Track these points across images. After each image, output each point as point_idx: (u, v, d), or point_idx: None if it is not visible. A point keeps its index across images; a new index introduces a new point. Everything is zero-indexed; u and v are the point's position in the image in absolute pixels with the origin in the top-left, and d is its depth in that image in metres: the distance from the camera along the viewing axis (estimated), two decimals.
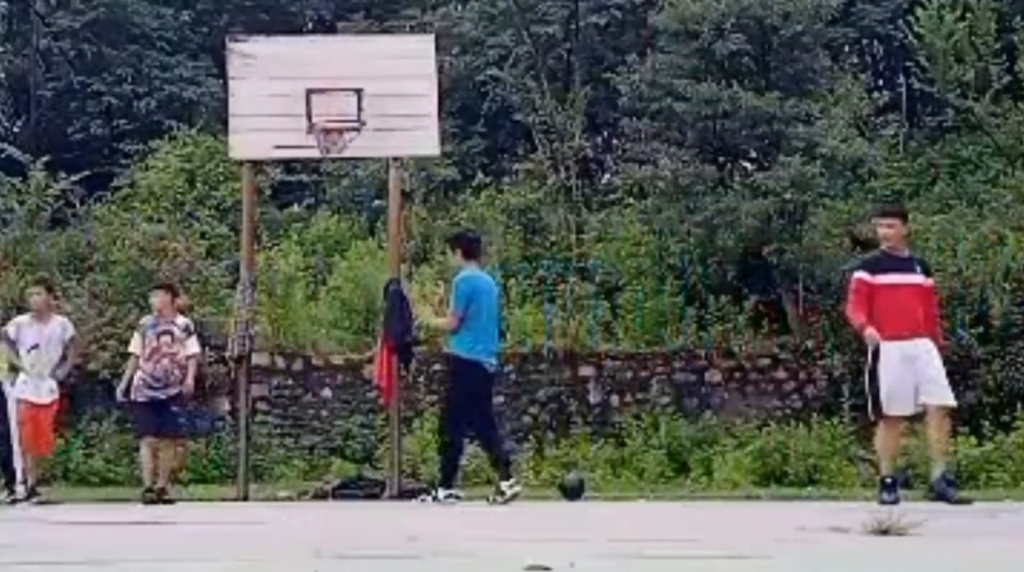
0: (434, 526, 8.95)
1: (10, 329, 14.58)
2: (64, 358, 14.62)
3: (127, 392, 14.25)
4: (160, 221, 21.05)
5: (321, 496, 15.07)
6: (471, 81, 25.92)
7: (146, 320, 14.48)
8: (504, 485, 12.68)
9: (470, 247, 13.23)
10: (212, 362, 18.49)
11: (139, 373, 14.14)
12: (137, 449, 15.42)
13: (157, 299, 14.46)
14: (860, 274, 12.38)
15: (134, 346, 14.33)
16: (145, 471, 14.30)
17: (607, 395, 19.80)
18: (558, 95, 24.21)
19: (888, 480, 12.22)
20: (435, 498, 12.84)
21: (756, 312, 20.12)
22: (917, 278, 12.37)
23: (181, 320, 14.47)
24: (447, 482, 12.92)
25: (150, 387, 14.11)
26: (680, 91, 20.79)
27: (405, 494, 14.44)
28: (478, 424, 12.95)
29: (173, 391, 14.14)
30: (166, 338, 14.18)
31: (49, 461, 18.02)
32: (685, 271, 21.10)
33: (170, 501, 13.87)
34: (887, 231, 12.40)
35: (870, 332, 12.14)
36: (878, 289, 12.22)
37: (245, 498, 14.81)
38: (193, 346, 14.32)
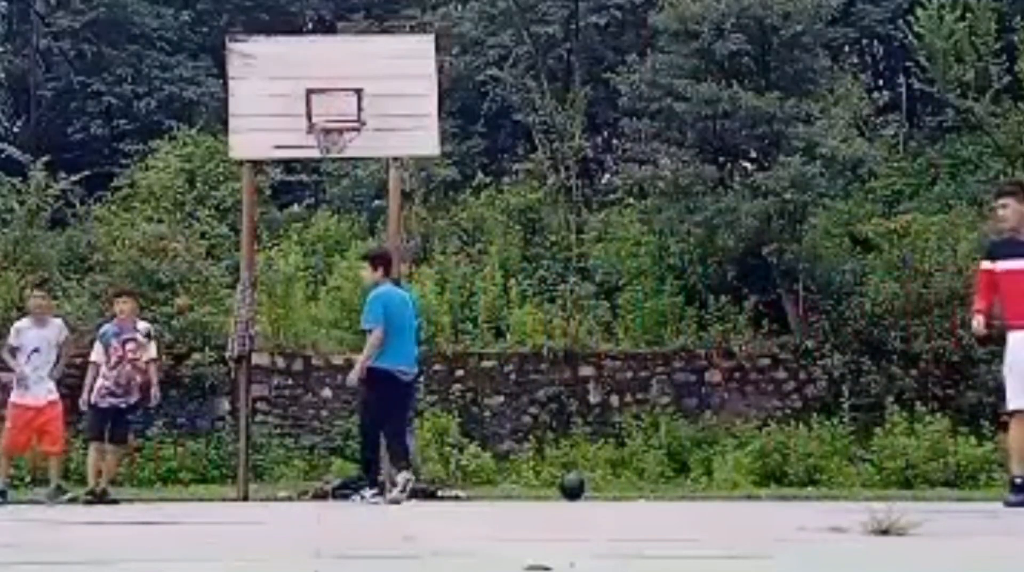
0: (434, 526, 8.96)
1: (11, 337, 14.46)
2: (58, 359, 14.58)
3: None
4: (160, 221, 21.04)
5: (321, 496, 15.07)
6: (471, 81, 25.90)
7: (107, 328, 14.41)
8: (370, 493, 12.98)
9: (390, 265, 13.67)
10: (212, 362, 18.51)
11: (101, 380, 14.14)
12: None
13: (126, 306, 14.38)
14: (982, 263, 11.60)
15: (96, 355, 14.28)
16: (90, 473, 14.29)
17: (607, 395, 19.79)
18: (558, 95, 24.20)
19: (1018, 480, 11.19)
20: (363, 497, 12.98)
21: (756, 312, 20.12)
22: None
23: (142, 325, 14.49)
24: (373, 482, 13.15)
25: (112, 394, 14.14)
26: (680, 91, 20.78)
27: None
28: (391, 430, 13.26)
29: (133, 399, 14.20)
30: (131, 345, 14.18)
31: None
32: (685, 271, 21.10)
33: (114, 502, 13.86)
34: (1001, 212, 11.39)
35: (976, 323, 11.57)
36: (999, 277, 11.39)
37: (245, 498, 14.82)
38: (153, 350, 14.35)
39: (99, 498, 13.92)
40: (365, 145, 15.26)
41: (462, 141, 25.12)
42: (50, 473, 14.53)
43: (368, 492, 13.04)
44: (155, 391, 14.21)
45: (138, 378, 14.13)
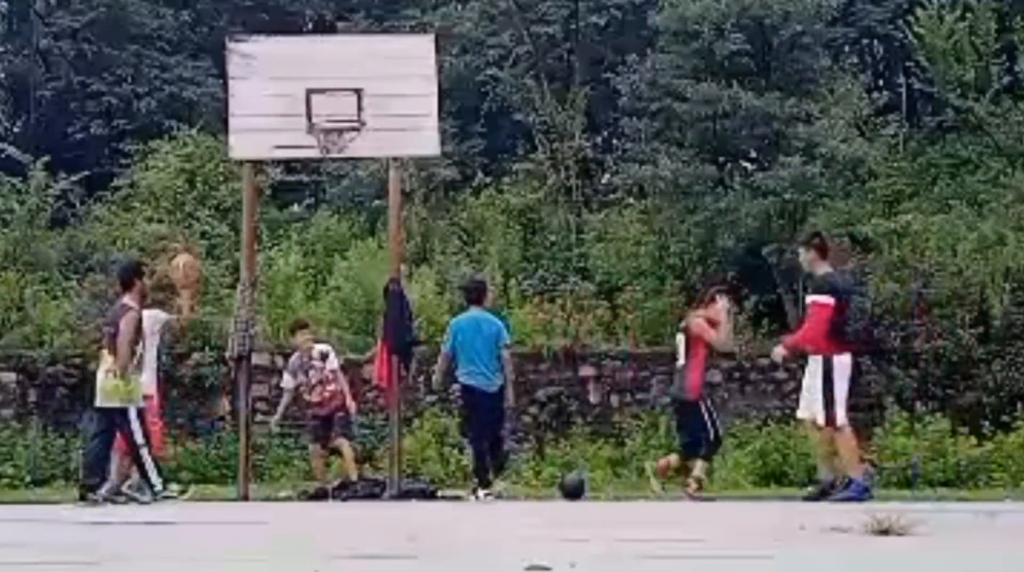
0: (434, 526, 8.96)
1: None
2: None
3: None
4: (160, 221, 21.03)
5: (321, 496, 15.07)
6: (471, 81, 25.88)
7: (294, 361, 15.72)
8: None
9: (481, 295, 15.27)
10: (212, 362, 18.49)
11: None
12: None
13: (302, 338, 15.67)
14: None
15: (285, 384, 15.85)
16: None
17: (607, 395, 19.78)
18: (558, 95, 24.19)
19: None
20: (477, 498, 14.26)
21: (756, 312, 20.11)
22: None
23: (317, 349, 15.62)
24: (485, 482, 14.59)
25: (319, 406, 15.54)
26: (680, 91, 20.78)
27: (405, 494, 14.49)
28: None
29: (330, 408, 15.51)
30: (312, 372, 15.48)
31: (50, 461, 18.10)
32: (685, 271, 21.08)
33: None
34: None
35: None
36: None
37: (245, 498, 14.80)
38: (332, 363, 15.55)
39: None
40: (365, 145, 15.24)
41: (462, 141, 25.09)
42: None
43: (482, 492, 14.28)
44: (348, 401, 15.48)
45: (328, 391, 15.40)
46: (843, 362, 12.87)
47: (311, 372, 15.45)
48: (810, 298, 13.22)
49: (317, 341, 15.97)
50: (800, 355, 13.42)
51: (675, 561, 6.04)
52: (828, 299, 12.87)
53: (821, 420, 12.96)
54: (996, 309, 19.49)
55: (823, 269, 13.22)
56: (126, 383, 13.29)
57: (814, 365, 12.94)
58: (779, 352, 13.58)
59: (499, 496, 14.35)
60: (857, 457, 13.25)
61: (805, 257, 13.35)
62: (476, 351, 14.57)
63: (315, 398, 15.46)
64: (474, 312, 14.92)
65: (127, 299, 13.67)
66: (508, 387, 14.83)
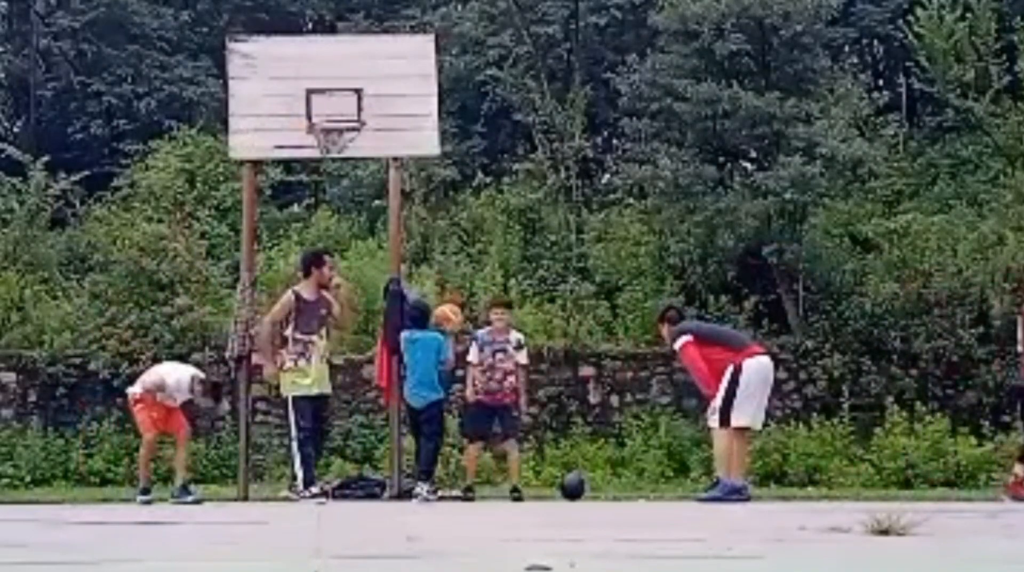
0: (434, 526, 8.97)
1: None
2: None
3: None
4: (160, 221, 21.03)
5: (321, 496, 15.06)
6: (471, 81, 25.87)
7: (482, 334, 14.98)
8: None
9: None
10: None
11: (477, 382, 14.68)
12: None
13: (501, 318, 14.94)
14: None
15: (471, 357, 14.79)
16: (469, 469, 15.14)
17: (607, 395, 19.78)
18: (558, 95, 24.17)
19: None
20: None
21: (756, 312, 20.11)
22: None
23: (515, 336, 14.96)
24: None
25: (487, 394, 14.65)
26: (680, 91, 20.77)
27: (405, 494, 14.50)
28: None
29: (506, 401, 14.71)
30: (500, 355, 14.71)
31: (50, 461, 18.08)
32: (685, 271, 21.08)
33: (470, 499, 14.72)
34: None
35: None
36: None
37: (245, 498, 14.81)
38: (522, 357, 14.80)
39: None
40: (365, 145, 15.25)
41: (462, 141, 25.08)
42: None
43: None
44: (522, 399, 14.87)
45: (508, 383, 14.65)
46: (749, 367, 13.45)
47: (499, 355, 14.67)
48: (675, 348, 13.97)
49: (511, 327, 15.22)
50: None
51: (675, 561, 6.05)
52: (684, 338, 13.76)
53: (715, 421, 13.52)
54: (996, 309, 19.49)
55: (673, 328, 14.08)
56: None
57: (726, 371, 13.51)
58: (713, 420, 13.75)
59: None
60: (737, 463, 13.64)
61: (664, 332, 14.24)
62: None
63: (492, 385, 14.60)
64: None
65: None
66: None
